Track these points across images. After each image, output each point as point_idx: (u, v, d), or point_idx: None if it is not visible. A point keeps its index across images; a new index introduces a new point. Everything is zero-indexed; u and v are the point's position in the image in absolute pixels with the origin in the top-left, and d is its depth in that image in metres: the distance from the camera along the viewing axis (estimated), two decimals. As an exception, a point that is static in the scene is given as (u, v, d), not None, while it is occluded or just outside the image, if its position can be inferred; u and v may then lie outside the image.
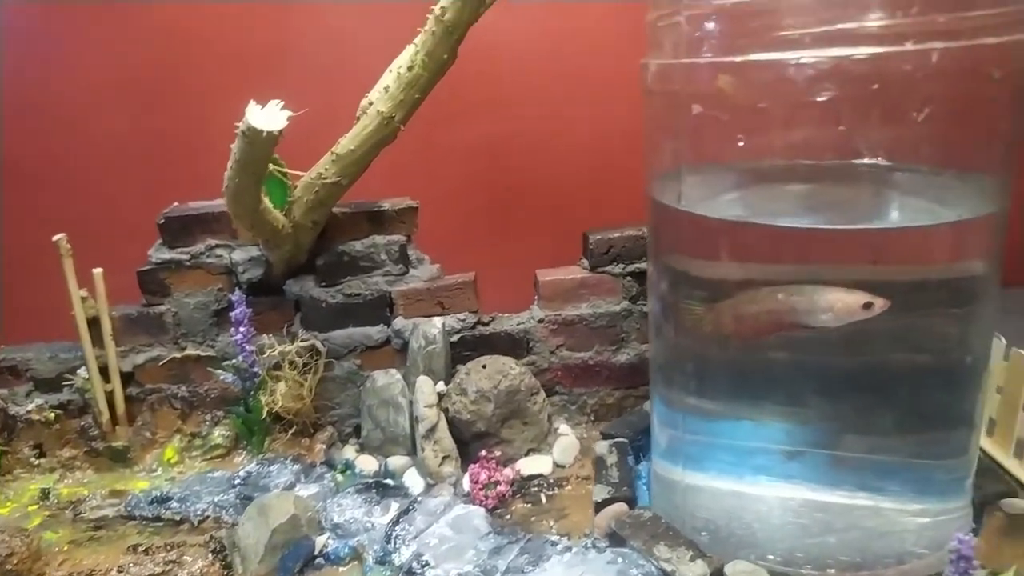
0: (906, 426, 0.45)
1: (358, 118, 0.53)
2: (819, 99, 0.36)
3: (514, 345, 0.64)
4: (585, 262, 0.64)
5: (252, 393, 0.59)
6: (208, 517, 0.56)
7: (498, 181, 0.91)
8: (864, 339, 0.42)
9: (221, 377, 0.59)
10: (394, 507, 0.55)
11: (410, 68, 0.49)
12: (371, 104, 0.52)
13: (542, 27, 0.85)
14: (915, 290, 0.42)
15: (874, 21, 0.35)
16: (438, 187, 0.94)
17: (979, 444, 0.48)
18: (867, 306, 0.38)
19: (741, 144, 0.40)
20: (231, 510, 0.56)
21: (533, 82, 0.87)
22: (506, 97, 0.89)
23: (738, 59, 0.38)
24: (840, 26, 0.35)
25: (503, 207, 0.92)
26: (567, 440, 0.62)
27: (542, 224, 0.88)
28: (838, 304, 0.38)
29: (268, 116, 0.44)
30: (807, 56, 0.36)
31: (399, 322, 0.62)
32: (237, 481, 0.58)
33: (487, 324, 0.64)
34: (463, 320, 0.63)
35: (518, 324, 0.64)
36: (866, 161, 0.40)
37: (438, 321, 0.61)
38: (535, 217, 0.90)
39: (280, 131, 0.44)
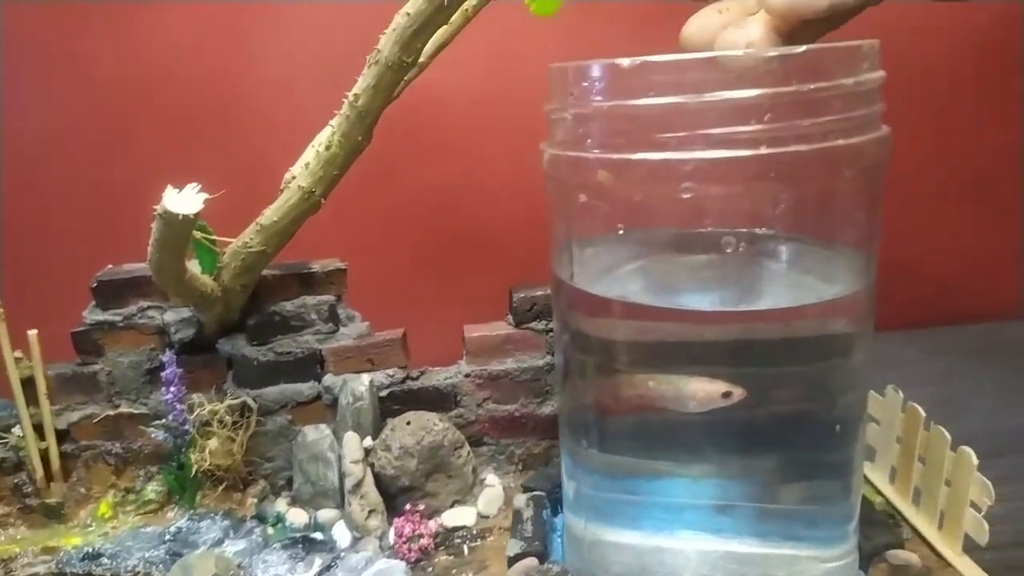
0: (787, 475, 0.48)
1: (282, 190, 0.55)
2: (684, 196, 0.39)
3: (442, 399, 0.67)
4: (510, 318, 0.67)
5: (183, 450, 0.61)
6: (139, 574, 0.58)
7: (440, 232, 0.95)
8: (752, 391, 0.45)
9: (152, 435, 0.61)
10: (318, 563, 0.57)
11: (327, 147, 0.51)
12: (293, 178, 0.54)
13: (481, 82, 0.89)
14: (791, 348, 0.46)
15: (731, 127, 0.38)
16: (379, 239, 0.97)
17: (860, 491, 0.52)
18: (726, 395, 0.42)
19: (621, 232, 0.43)
20: (160, 566, 0.58)
21: (469, 136, 0.90)
22: (444, 150, 0.92)
23: (614, 156, 0.41)
24: (701, 132, 0.39)
25: (444, 257, 0.95)
26: (492, 491, 0.65)
27: (482, 275, 0.91)
28: (700, 393, 0.42)
29: (185, 200, 0.46)
30: (672, 157, 0.39)
31: (329, 379, 0.65)
32: (168, 537, 0.60)
33: (416, 379, 0.67)
34: (392, 376, 0.66)
35: (446, 379, 0.67)
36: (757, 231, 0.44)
37: (366, 378, 0.63)
38: (475, 268, 0.94)
39: (196, 214, 0.46)
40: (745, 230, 0.43)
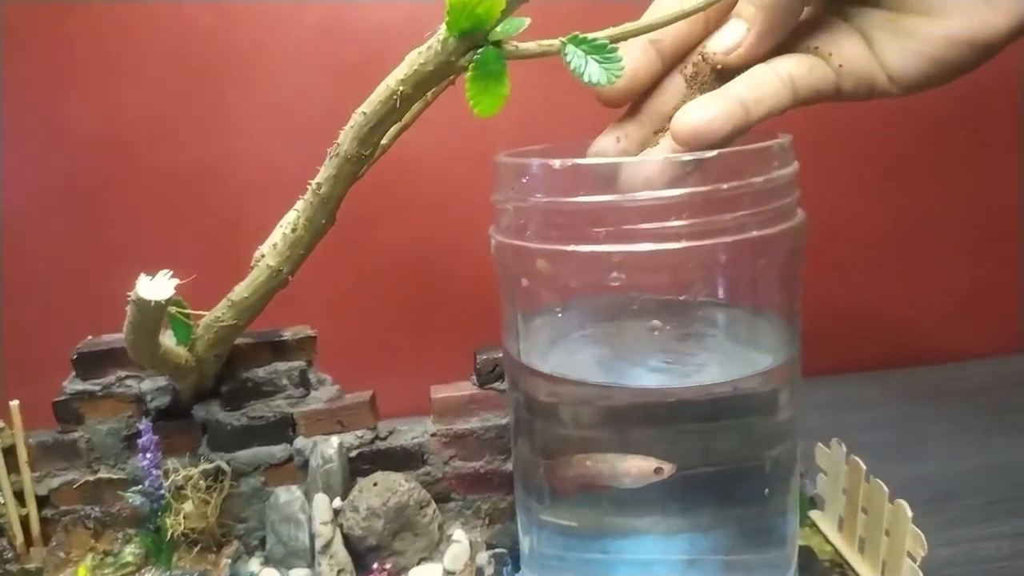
0: (721, 528, 0.51)
1: (252, 268, 0.59)
2: (613, 284, 0.43)
3: (410, 458, 0.69)
4: (474, 378, 0.70)
5: (159, 514, 0.64)
6: (114, 636, 0.60)
7: (407, 291, 0.98)
8: (684, 448, 0.48)
9: (129, 500, 0.64)
10: (287, 622, 0.60)
11: (293, 230, 0.55)
12: (263, 256, 0.58)
13: (450, 140, 0.93)
14: (720, 408, 0.49)
15: (654, 223, 0.42)
16: (347, 297, 1.00)
17: (796, 540, 0.55)
18: (658, 471, 0.45)
19: (560, 315, 0.47)
20: (136, 629, 0.60)
21: (437, 195, 0.94)
22: (412, 209, 0.96)
23: (550, 247, 0.45)
24: (627, 227, 0.42)
25: (413, 315, 0.98)
26: (458, 547, 0.67)
27: (450, 331, 0.95)
28: (634, 470, 0.45)
29: (157, 286, 0.50)
30: (601, 250, 0.43)
31: (300, 441, 0.67)
32: (143, 599, 0.63)
33: (384, 439, 0.70)
34: (361, 437, 0.69)
35: (413, 439, 0.70)
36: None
37: (335, 440, 0.66)
38: (443, 325, 0.97)
39: (168, 299, 0.50)
40: (682, 298, 0.47)
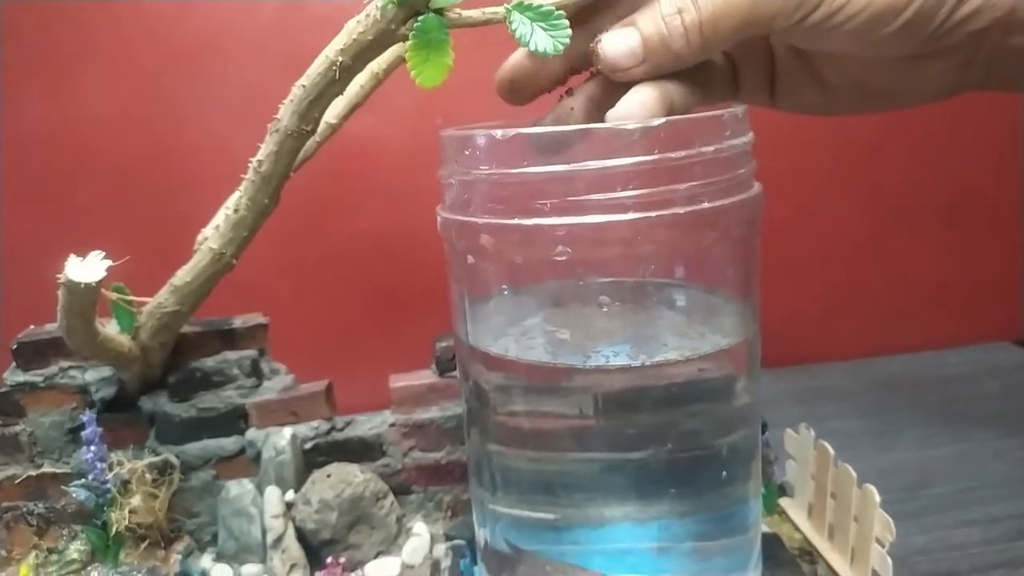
0: (681, 515, 0.50)
1: (195, 251, 0.57)
2: (559, 259, 0.41)
3: (368, 449, 0.67)
4: (434, 367, 0.68)
5: (105, 509, 0.61)
6: (56, 636, 0.58)
7: (369, 281, 0.96)
8: (639, 436, 0.47)
9: (73, 494, 0.61)
10: (236, 619, 0.57)
11: (236, 210, 0.53)
12: (205, 239, 0.56)
13: (411, 130, 0.92)
14: (679, 394, 0.47)
15: (600, 194, 0.40)
16: (308, 288, 0.99)
17: (759, 526, 0.53)
18: None
19: (506, 292, 0.45)
20: (79, 628, 0.58)
21: (398, 185, 0.93)
22: (373, 199, 0.94)
23: (493, 221, 0.43)
24: (572, 199, 0.41)
25: (374, 306, 0.96)
26: (418, 540, 0.65)
27: (413, 322, 0.93)
28: None
29: (87, 268, 0.47)
30: (544, 223, 0.41)
31: (252, 433, 0.65)
32: (88, 597, 0.60)
33: (341, 430, 0.67)
34: (316, 428, 0.66)
35: (371, 429, 0.67)
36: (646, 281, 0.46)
37: (287, 431, 0.64)
38: (406, 315, 0.95)
39: (98, 282, 0.47)
40: (633, 280, 0.45)
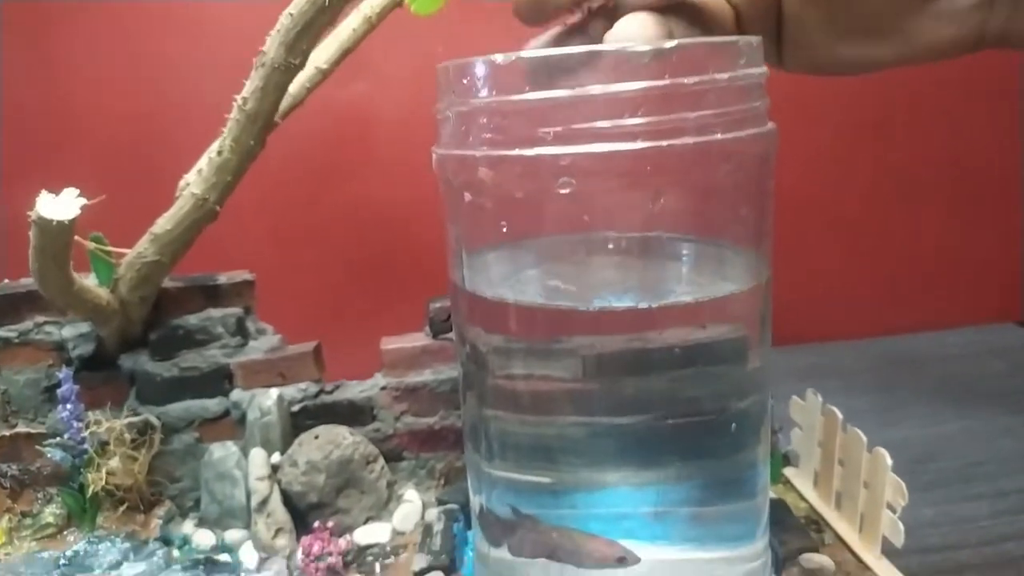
0: (690, 480, 0.47)
1: (177, 198, 0.54)
2: (562, 192, 0.39)
3: (358, 413, 0.65)
4: (427, 329, 0.66)
5: (81, 470, 0.59)
6: (29, 601, 0.55)
7: (366, 247, 0.94)
8: (647, 399, 0.44)
9: (48, 454, 0.59)
10: (216, 584, 0.55)
11: (219, 153, 0.50)
12: (187, 185, 0.53)
13: (408, 96, 0.89)
14: (687, 356, 0.45)
15: (605, 121, 0.38)
16: (305, 255, 0.96)
17: (767, 493, 0.51)
18: (620, 560, 0.42)
19: (505, 230, 0.42)
20: (53, 593, 0.55)
21: (395, 151, 0.90)
22: (370, 165, 0.92)
23: (493, 153, 0.40)
24: (576, 126, 0.38)
25: (371, 273, 0.94)
26: (409, 507, 0.63)
27: (409, 289, 0.90)
28: (596, 553, 0.42)
29: (61, 205, 0.44)
30: (546, 152, 0.38)
31: (237, 394, 0.63)
32: (63, 561, 0.57)
33: (330, 392, 0.65)
34: (304, 390, 0.64)
35: (361, 392, 0.65)
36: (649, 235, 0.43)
37: (273, 392, 0.61)
38: (402, 283, 0.93)
39: (72, 220, 0.45)
40: (636, 234, 0.43)
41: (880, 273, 1.13)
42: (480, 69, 0.40)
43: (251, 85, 0.47)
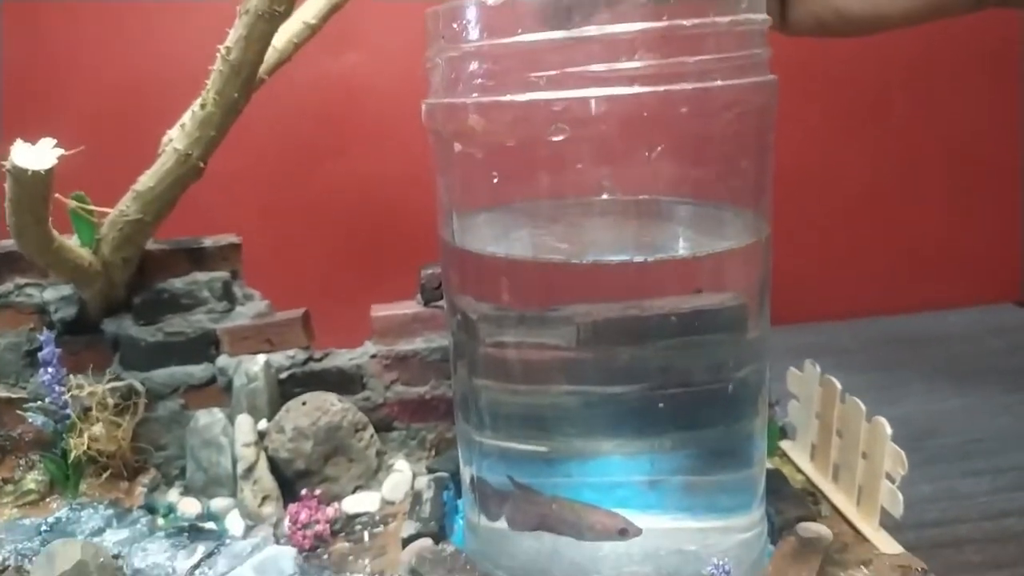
0: (687, 449, 0.46)
1: (159, 155, 0.52)
2: (556, 139, 0.37)
3: (347, 381, 0.63)
4: (419, 297, 0.64)
5: (63, 436, 0.57)
6: (8, 567, 0.54)
7: (361, 220, 0.92)
8: (643, 368, 0.43)
9: (30, 419, 0.57)
10: (201, 550, 0.53)
11: (203, 106, 0.49)
12: (170, 141, 0.51)
13: (404, 70, 0.87)
14: (686, 324, 0.44)
15: (600, 64, 0.36)
16: (301, 228, 0.95)
17: (763, 463, 0.50)
18: (622, 532, 0.42)
19: (496, 180, 0.41)
20: (34, 558, 0.54)
21: (392, 125, 0.89)
22: (366, 139, 0.91)
23: (484, 99, 0.39)
24: (571, 70, 0.36)
25: (366, 246, 0.93)
26: (399, 476, 0.62)
27: (404, 262, 0.89)
28: (598, 525, 0.42)
29: (37, 154, 0.43)
30: (540, 97, 0.37)
31: (223, 360, 0.61)
32: (44, 528, 0.56)
33: (319, 360, 0.63)
34: (293, 357, 0.62)
35: (351, 360, 0.64)
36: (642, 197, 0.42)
37: (260, 358, 0.60)
38: (397, 256, 0.91)
39: (48, 170, 0.43)
40: (632, 197, 0.42)
41: (880, 254, 1.12)
42: (471, 12, 0.39)
43: (235, 34, 0.46)
